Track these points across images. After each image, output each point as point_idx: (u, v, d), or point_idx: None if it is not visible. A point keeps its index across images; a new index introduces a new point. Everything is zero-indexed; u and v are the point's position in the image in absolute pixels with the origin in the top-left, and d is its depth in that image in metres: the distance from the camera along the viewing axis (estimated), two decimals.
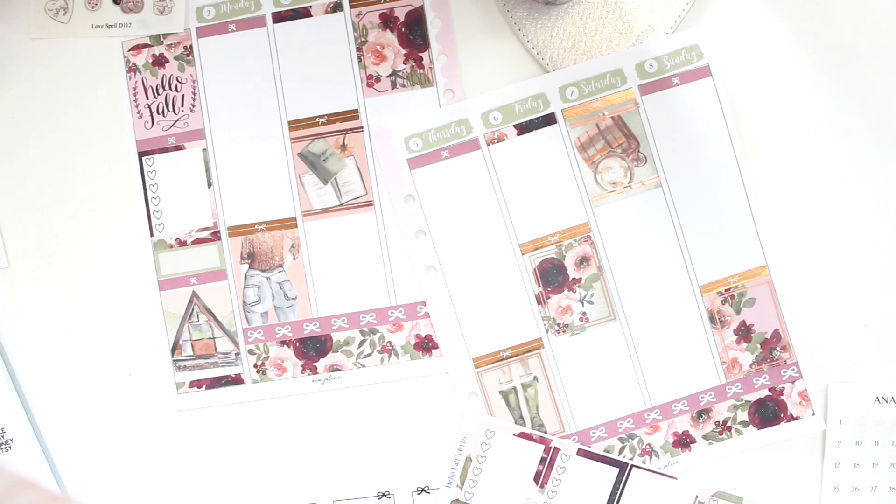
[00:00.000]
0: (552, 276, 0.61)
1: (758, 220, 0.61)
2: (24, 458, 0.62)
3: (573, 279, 0.61)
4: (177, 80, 0.63)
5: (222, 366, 0.63)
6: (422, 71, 0.62)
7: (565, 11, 0.62)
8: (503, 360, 0.62)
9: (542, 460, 0.61)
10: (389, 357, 0.62)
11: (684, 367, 0.61)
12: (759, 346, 0.61)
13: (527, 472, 0.61)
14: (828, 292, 0.62)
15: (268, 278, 0.62)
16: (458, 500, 0.61)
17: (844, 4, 0.62)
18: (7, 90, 0.64)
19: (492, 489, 0.61)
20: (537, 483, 0.61)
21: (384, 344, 0.62)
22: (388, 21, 0.63)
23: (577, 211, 0.61)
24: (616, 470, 0.61)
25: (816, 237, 0.62)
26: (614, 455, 0.61)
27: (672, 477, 0.60)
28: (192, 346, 0.63)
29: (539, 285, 0.61)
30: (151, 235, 0.63)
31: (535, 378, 0.61)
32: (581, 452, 0.61)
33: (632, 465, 0.61)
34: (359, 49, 0.63)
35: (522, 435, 0.61)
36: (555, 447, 0.61)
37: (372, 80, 0.62)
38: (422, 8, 0.62)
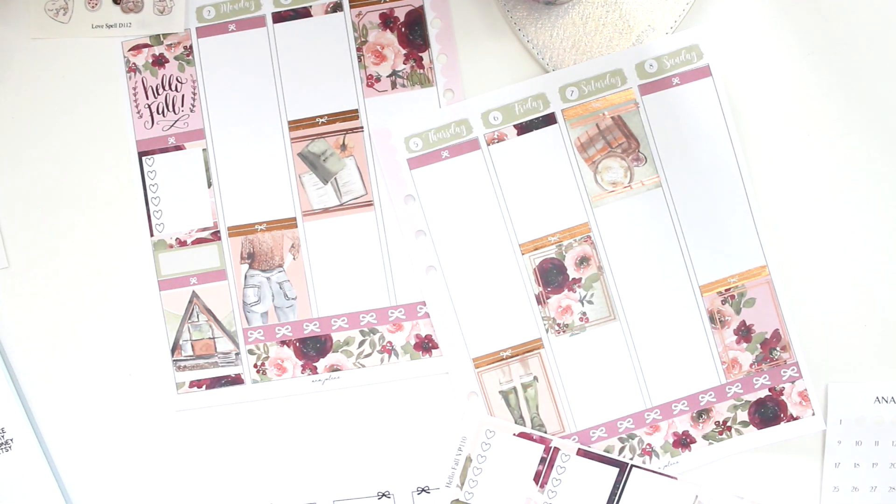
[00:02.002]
0: (552, 276, 0.61)
1: (758, 220, 0.61)
2: (24, 458, 0.62)
3: (573, 279, 0.61)
4: (177, 80, 0.63)
5: (222, 366, 0.63)
6: (422, 71, 0.62)
7: (565, 11, 0.62)
8: (503, 360, 0.62)
9: (542, 460, 0.61)
10: (389, 357, 0.62)
11: (684, 367, 0.61)
12: (759, 346, 0.61)
13: (527, 472, 0.61)
14: (828, 292, 0.62)
15: (268, 278, 0.63)
16: (458, 500, 0.61)
17: (844, 4, 0.62)
18: (7, 90, 0.64)
19: (492, 489, 0.61)
20: (537, 483, 0.61)
21: (384, 344, 0.62)
22: (388, 21, 0.63)
23: (577, 211, 0.61)
24: (616, 470, 0.61)
25: (816, 237, 0.62)
26: (614, 455, 0.61)
27: (672, 477, 0.60)
28: (192, 346, 0.63)
29: (539, 285, 0.61)
30: (151, 235, 0.63)
31: (535, 378, 0.61)
32: (581, 452, 0.61)
33: (632, 465, 0.61)
34: (359, 49, 0.63)
35: (522, 435, 0.61)
36: (555, 447, 0.61)
37: (372, 80, 0.62)
38: (422, 8, 0.62)
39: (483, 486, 0.61)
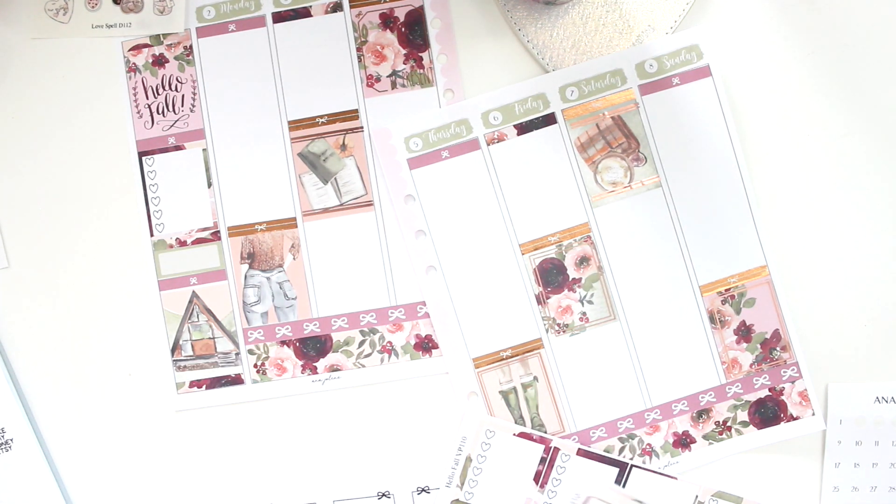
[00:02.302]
0: (552, 276, 0.61)
1: (758, 220, 0.61)
2: (24, 458, 0.62)
3: (573, 279, 0.61)
4: (177, 80, 0.63)
5: (222, 366, 0.63)
6: (422, 71, 0.62)
7: (565, 11, 0.62)
8: (503, 360, 0.62)
9: (542, 460, 0.61)
10: (389, 357, 0.62)
11: (684, 367, 0.61)
12: (759, 346, 0.61)
13: (527, 472, 0.61)
14: (828, 292, 0.62)
15: (268, 278, 0.62)
16: (458, 500, 0.61)
17: (844, 4, 0.62)
18: (7, 90, 0.64)
19: (492, 489, 0.61)
20: (537, 483, 0.61)
21: (384, 344, 0.62)
22: (388, 21, 0.63)
23: (577, 211, 0.61)
24: (616, 470, 0.61)
25: (816, 237, 0.62)
26: (614, 455, 0.61)
27: (672, 477, 0.60)
28: (192, 346, 0.63)
29: (539, 285, 0.61)
30: (151, 235, 0.63)
31: (535, 378, 0.61)
32: (581, 452, 0.61)
33: (632, 465, 0.61)
34: (359, 49, 0.63)
35: (522, 435, 0.61)
36: (555, 447, 0.61)
37: (372, 80, 0.62)
38: (422, 8, 0.62)
39: (483, 486, 0.61)
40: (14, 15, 0.64)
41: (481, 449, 0.61)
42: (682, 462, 0.61)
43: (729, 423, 0.61)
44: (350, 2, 0.63)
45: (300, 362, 0.62)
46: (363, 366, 0.62)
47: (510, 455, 0.61)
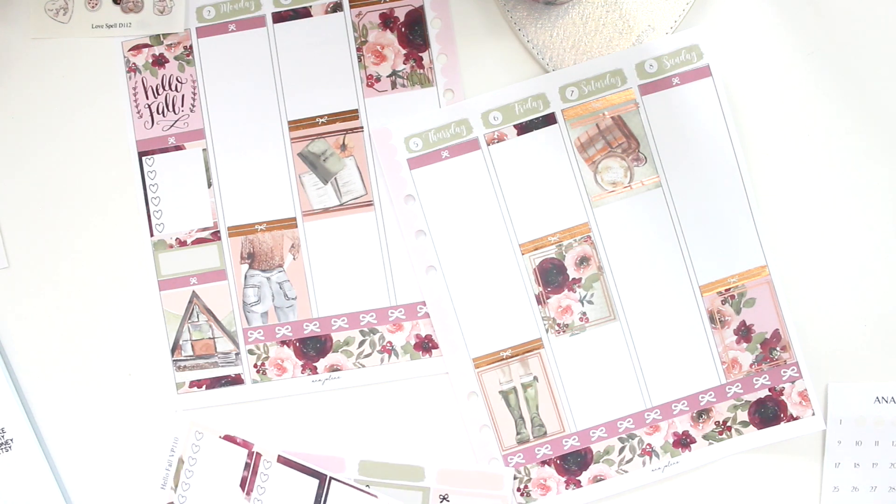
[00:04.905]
0: (552, 276, 0.61)
1: (758, 220, 0.61)
2: (24, 458, 0.62)
3: (573, 279, 0.61)
4: (177, 80, 0.63)
5: (222, 366, 0.63)
6: (422, 71, 0.62)
7: (565, 11, 0.62)
8: (503, 360, 0.62)
9: (247, 465, 0.60)
10: (389, 357, 0.62)
11: (684, 367, 0.61)
12: (759, 346, 0.61)
13: (234, 478, 0.59)
14: (828, 292, 0.62)
15: (268, 278, 0.62)
16: (172, 503, 0.60)
17: (844, 4, 0.62)
18: (7, 90, 0.64)
19: (204, 494, 0.59)
20: (243, 489, 0.60)
21: (384, 344, 0.62)
22: (388, 21, 0.63)
23: (577, 211, 0.61)
24: (316, 482, 0.59)
25: (816, 237, 0.62)
26: (613, 455, 0.61)
27: (373, 495, 0.59)
28: (192, 346, 0.63)
29: (539, 285, 0.61)
30: (151, 235, 0.63)
31: (535, 378, 0.61)
32: (281, 459, 0.59)
33: (330, 478, 0.59)
34: (359, 49, 0.63)
35: (228, 437, 0.59)
36: (257, 452, 0.59)
37: (372, 80, 0.62)
38: (422, 8, 0.62)
39: (195, 490, 0.60)
40: (14, 15, 0.64)
41: (192, 451, 0.60)
42: (682, 462, 0.61)
43: (729, 423, 0.61)
44: (350, 2, 0.63)
45: (300, 362, 0.62)
46: (363, 366, 0.62)
47: (218, 459, 0.59)
